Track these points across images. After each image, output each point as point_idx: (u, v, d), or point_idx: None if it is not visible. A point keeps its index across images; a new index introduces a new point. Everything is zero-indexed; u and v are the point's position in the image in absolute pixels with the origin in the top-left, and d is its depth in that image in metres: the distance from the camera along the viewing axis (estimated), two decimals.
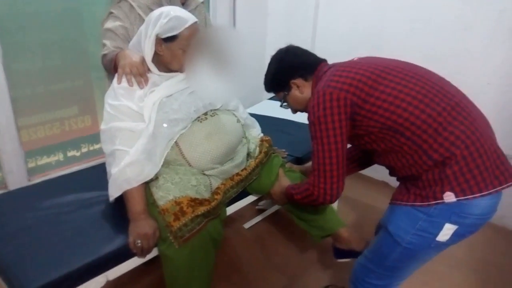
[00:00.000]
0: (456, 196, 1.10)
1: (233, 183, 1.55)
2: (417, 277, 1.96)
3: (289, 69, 1.39)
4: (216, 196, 1.44)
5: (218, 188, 1.49)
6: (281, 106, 1.49)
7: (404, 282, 1.96)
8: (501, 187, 1.13)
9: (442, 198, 1.11)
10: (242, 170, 1.58)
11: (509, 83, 2.16)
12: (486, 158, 1.11)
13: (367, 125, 1.19)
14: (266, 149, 1.65)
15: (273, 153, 1.72)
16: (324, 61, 1.42)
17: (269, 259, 2.07)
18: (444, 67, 2.35)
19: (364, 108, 1.17)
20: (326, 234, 1.68)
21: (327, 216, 1.67)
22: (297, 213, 1.69)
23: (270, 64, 1.45)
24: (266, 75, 1.46)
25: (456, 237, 1.17)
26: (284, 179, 1.64)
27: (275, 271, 1.99)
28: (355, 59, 1.34)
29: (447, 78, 2.43)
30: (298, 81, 1.38)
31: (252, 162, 1.60)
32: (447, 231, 1.14)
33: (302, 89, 1.39)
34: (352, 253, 1.62)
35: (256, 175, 1.62)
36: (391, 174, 1.32)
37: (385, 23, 2.55)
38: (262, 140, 1.70)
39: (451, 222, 1.13)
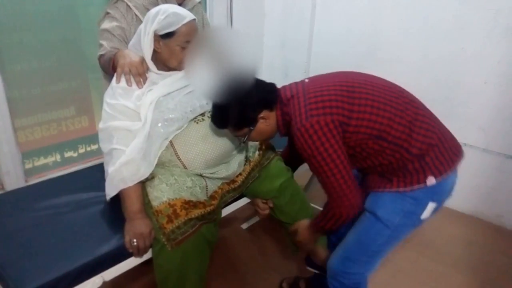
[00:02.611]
0: (436, 178, 1.24)
1: (230, 188, 1.55)
2: (415, 277, 1.97)
3: (256, 104, 1.30)
4: (213, 201, 1.44)
5: (215, 192, 1.48)
6: (240, 143, 1.48)
7: (403, 282, 1.96)
8: (458, 162, 1.30)
9: (425, 182, 1.24)
10: (238, 176, 1.58)
11: (506, 82, 2.17)
12: (446, 140, 1.28)
13: (356, 138, 1.23)
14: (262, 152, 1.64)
15: (275, 156, 1.69)
16: (275, 85, 1.37)
17: (267, 260, 2.07)
18: (441, 66, 2.37)
19: (350, 125, 1.21)
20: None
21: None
22: (286, 227, 1.68)
23: (229, 106, 1.29)
24: (228, 117, 1.30)
25: (433, 214, 1.32)
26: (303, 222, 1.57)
27: (272, 272, 1.99)
28: (306, 80, 1.33)
29: (444, 78, 2.46)
30: (265, 113, 1.32)
31: (247, 167, 1.60)
32: (429, 209, 1.28)
33: (268, 121, 1.34)
34: (321, 268, 1.66)
35: (252, 179, 1.61)
36: (365, 172, 1.39)
37: (381, 23, 2.55)
38: (260, 144, 1.69)
39: (433, 201, 1.27)
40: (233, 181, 1.57)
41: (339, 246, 1.43)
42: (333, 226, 1.35)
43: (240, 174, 1.59)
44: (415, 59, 2.47)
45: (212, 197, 1.46)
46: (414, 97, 1.32)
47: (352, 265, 1.37)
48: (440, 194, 1.29)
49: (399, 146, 1.22)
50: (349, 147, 1.25)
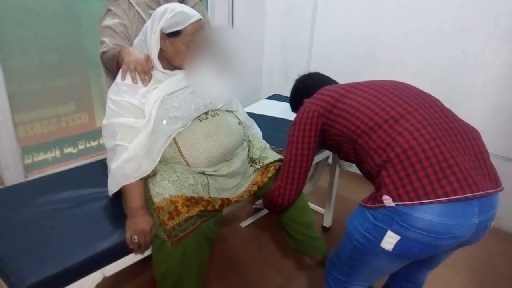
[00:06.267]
0: (394, 200, 1.07)
1: (248, 196, 1.53)
2: None
3: (304, 90, 1.63)
4: (219, 205, 1.41)
5: (228, 200, 1.45)
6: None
7: None
8: (447, 198, 1.03)
9: (382, 201, 1.10)
10: (253, 185, 1.56)
11: (505, 85, 2.18)
12: (431, 163, 1.07)
13: (332, 133, 1.34)
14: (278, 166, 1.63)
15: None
16: (335, 82, 1.58)
17: (266, 258, 2.08)
18: (440, 69, 2.38)
19: (329, 118, 1.33)
20: (304, 253, 1.79)
21: (315, 242, 1.71)
22: (289, 231, 1.69)
23: (292, 87, 1.72)
24: (290, 97, 1.73)
25: (403, 250, 1.12)
26: None
27: (271, 270, 2.00)
28: (346, 83, 1.45)
29: (444, 80, 2.46)
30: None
31: (265, 179, 1.57)
32: (389, 239, 1.11)
33: None
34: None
35: (266, 188, 1.60)
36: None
37: (382, 25, 2.56)
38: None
39: (392, 230, 1.09)
40: (249, 191, 1.54)
41: None
42: (269, 206, 1.57)
43: (257, 184, 1.56)
44: (415, 61, 2.48)
45: (221, 201, 1.43)
46: (426, 108, 1.23)
47: (334, 267, 1.38)
48: (404, 227, 1.07)
49: (366, 152, 1.20)
50: (328, 144, 1.39)
